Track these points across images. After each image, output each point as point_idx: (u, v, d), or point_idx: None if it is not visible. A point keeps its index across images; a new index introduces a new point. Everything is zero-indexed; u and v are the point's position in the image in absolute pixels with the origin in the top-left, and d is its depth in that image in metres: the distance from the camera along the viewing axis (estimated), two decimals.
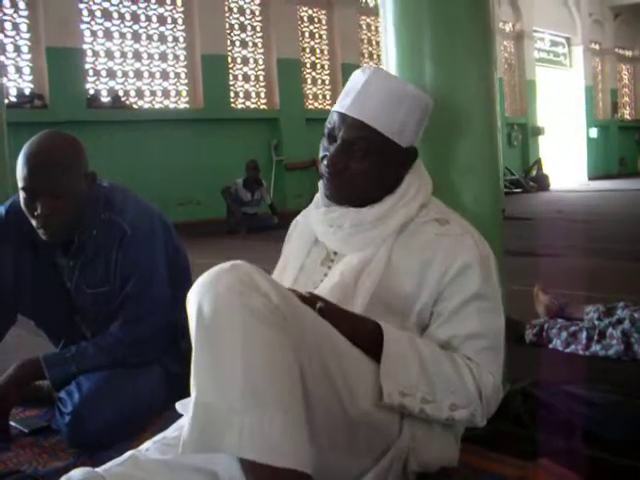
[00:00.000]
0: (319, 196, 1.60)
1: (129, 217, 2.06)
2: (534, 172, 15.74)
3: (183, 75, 10.39)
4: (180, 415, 1.42)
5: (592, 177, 18.31)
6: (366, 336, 1.35)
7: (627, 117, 21.41)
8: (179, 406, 1.41)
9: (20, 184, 1.96)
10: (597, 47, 19.59)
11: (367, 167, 1.48)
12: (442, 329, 1.45)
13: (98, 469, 1.34)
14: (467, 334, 1.43)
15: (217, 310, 1.12)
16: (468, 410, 1.37)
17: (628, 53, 21.23)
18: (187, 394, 1.43)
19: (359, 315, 1.39)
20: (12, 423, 2.16)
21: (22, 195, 1.97)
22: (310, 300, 1.30)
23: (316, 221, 1.59)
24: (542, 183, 15.16)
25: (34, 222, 1.98)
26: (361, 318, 1.38)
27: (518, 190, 14.40)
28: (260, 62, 11.44)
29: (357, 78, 1.52)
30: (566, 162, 18.48)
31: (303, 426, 1.11)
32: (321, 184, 1.58)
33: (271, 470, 1.06)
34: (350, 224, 1.50)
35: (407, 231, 1.51)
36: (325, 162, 1.50)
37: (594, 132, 18.87)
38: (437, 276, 1.45)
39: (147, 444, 1.41)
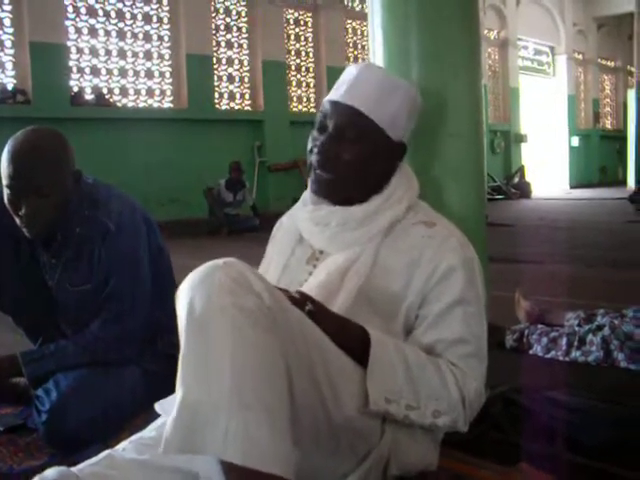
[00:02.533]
0: (307, 194, 1.59)
1: (113, 214, 2.03)
2: (516, 179, 15.83)
3: (168, 74, 10.34)
4: (158, 415, 1.41)
5: (574, 185, 18.45)
6: (353, 339, 1.34)
7: (608, 127, 21.62)
8: (158, 406, 1.40)
9: (5, 182, 1.92)
10: (580, 57, 19.77)
11: (357, 155, 1.48)
12: (427, 334, 1.44)
13: (73, 468, 1.32)
14: (452, 339, 1.42)
15: (208, 308, 1.10)
16: (451, 416, 1.37)
17: (610, 64, 21.44)
18: (165, 393, 1.42)
19: (347, 319, 1.38)
20: None
21: (6, 192, 1.94)
22: (299, 301, 1.29)
23: (302, 219, 1.58)
24: (524, 190, 15.25)
25: (18, 220, 1.96)
26: (348, 321, 1.37)
27: (500, 197, 14.48)
28: (245, 63, 11.41)
29: (350, 71, 1.53)
30: (548, 170, 18.61)
31: (288, 431, 1.10)
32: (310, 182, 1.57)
33: (253, 474, 1.04)
34: (337, 222, 1.50)
35: (394, 232, 1.50)
36: (315, 150, 1.49)
37: (576, 141, 19.02)
38: (424, 278, 1.44)
39: (124, 444, 1.40)
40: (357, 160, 1.48)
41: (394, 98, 1.50)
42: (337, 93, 1.50)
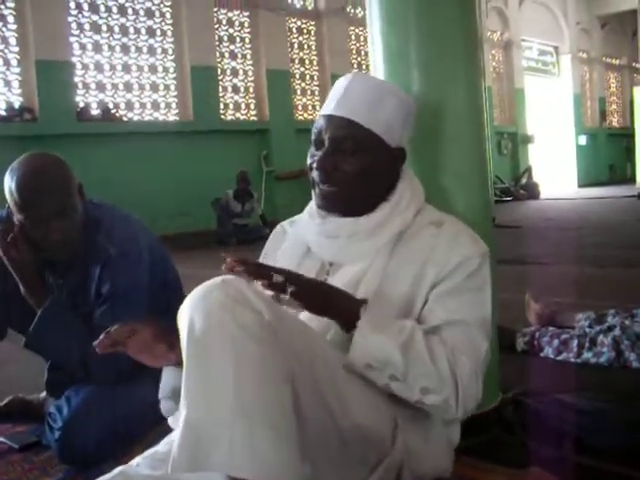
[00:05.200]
0: (312, 206, 1.58)
1: (115, 240, 2.02)
2: (524, 180, 15.80)
3: (172, 87, 10.39)
4: (172, 428, 1.41)
5: (582, 184, 18.39)
6: (342, 314, 1.32)
7: (615, 125, 21.54)
8: (171, 420, 1.41)
9: (22, 214, 1.91)
10: (585, 55, 19.72)
11: (357, 166, 1.46)
12: (427, 314, 1.42)
13: None
14: (450, 320, 1.39)
15: (208, 326, 1.12)
16: (441, 396, 1.31)
17: (615, 61, 21.38)
18: (178, 407, 1.43)
19: (337, 293, 1.35)
20: (1, 439, 2.15)
21: (24, 224, 1.92)
22: (279, 287, 1.26)
23: (310, 232, 1.56)
24: (532, 191, 15.21)
25: (44, 247, 1.95)
26: (338, 297, 1.34)
27: (508, 198, 14.44)
28: (249, 73, 11.45)
29: (339, 83, 1.53)
30: (556, 170, 18.56)
31: (293, 442, 1.10)
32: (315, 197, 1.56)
33: None
34: (346, 234, 1.49)
35: (404, 239, 1.49)
36: (314, 166, 1.49)
37: (583, 140, 18.96)
38: (433, 274, 1.43)
39: (138, 459, 1.40)
40: (358, 171, 1.47)
41: (387, 104, 1.49)
42: (329, 107, 1.49)
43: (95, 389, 1.97)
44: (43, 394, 2.37)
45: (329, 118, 1.48)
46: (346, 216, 1.50)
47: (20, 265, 1.95)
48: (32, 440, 2.12)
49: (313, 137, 1.52)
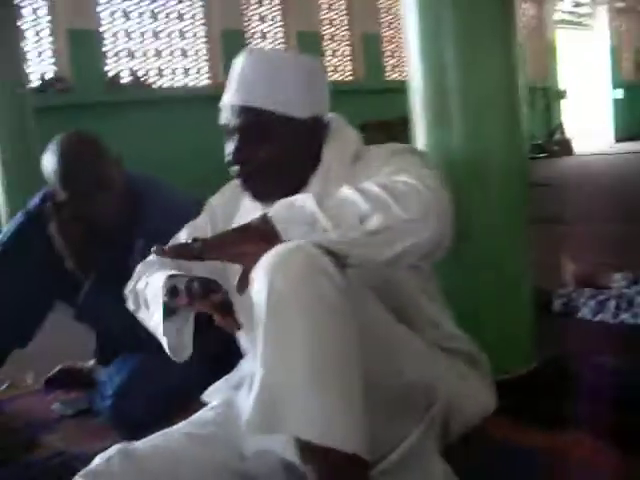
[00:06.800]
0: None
1: (159, 213, 2.04)
2: (557, 136, 15.56)
3: (203, 52, 10.36)
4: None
5: (619, 139, 18.01)
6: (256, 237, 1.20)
7: None
8: (206, 396, 1.48)
9: (65, 191, 1.99)
10: (622, 5, 19.18)
11: (271, 150, 1.43)
12: None
13: (134, 444, 1.39)
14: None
15: (287, 293, 1.12)
16: (379, 215, 1.16)
17: None
18: (226, 373, 1.53)
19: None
20: (56, 404, 2.24)
21: (68, 201, 2.00)
22: (185, 252, 1.21)
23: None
24: (566, 147, 14.98)
25: (88, 222, 2.03)
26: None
27: (542, 155, 14.25)
28: (279, 35, 11.37)
29: (235, 65, 1.49)
30: (591, 125, 18.21)
31: (364, 412, 1.13)
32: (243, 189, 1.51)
33: (329, 452, 1.08)
34: None
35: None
36: (230, 158, 1.45)
37: (620, 93, 18.53)
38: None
39: (182, 423, 1.48)
40: (273, 155, 1.43)
41: (284, 76, 1.43)
42: (229, 94, 1.46)
43: (144, 358, 2.02)
44: (92, 362, 2.45)
45: (231, 107, 1.45)
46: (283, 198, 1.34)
47: (71, 240, 2.02)
48: (84, 407, 2.20)
49: (223, 126, 1.47)
